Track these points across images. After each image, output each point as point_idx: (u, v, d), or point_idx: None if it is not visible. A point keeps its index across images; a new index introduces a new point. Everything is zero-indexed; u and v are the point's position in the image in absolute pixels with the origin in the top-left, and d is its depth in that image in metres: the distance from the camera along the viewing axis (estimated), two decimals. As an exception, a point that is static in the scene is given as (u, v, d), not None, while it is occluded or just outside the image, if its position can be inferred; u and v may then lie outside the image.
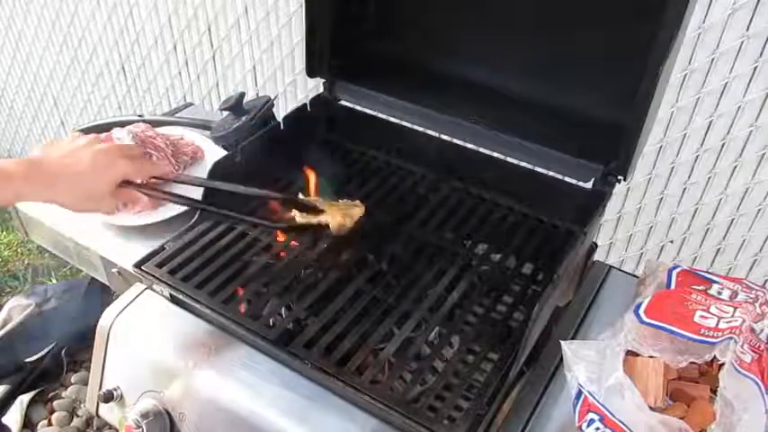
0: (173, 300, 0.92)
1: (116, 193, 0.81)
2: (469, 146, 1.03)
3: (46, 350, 1.77)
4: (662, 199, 1.33)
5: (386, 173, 1.10)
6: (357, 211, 0.94)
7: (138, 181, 0.83)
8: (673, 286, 0.86)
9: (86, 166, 0.77)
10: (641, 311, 0.77)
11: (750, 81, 1.11)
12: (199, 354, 0.87)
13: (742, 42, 1.08)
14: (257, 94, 1.67)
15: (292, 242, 0.95)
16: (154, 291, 0.95)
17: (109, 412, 0.94)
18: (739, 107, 1.14)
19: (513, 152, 0.99)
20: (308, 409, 0.80)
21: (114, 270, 1.00)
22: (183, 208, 1.03)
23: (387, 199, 1.05)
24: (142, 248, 0.95)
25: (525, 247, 0.95)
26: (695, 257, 1.37)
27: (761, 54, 1.08)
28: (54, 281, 2.09)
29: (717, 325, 0.73)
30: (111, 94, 2.07)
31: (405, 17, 1.06)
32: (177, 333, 0.89)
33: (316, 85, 1.15)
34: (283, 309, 0.88)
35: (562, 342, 0.77)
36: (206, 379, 0.85)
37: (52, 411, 1.74)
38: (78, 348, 1.82)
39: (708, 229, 1.31)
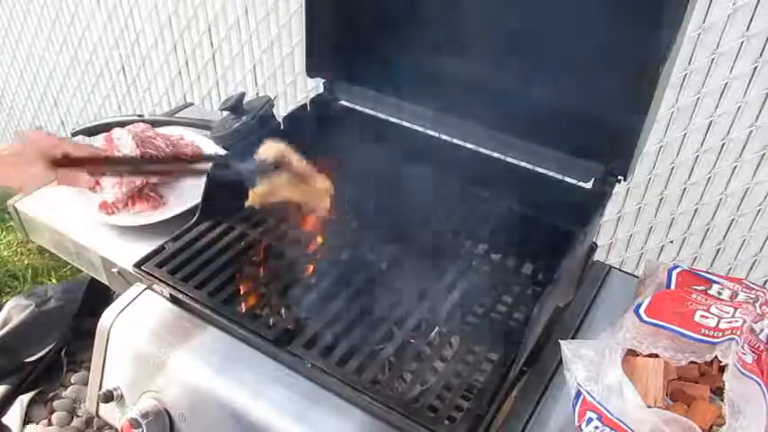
0: (173, 300, 0.92)
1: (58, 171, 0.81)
2: (469, 146, 1.03)
3: (46, 350, 1.77)
4: (662, 199, 1.32)
5: (386, 173, 1.10)
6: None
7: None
8: (673, 286, 0.86)
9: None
10: (642, 311, 0.77)
11: (750, 81, 1.11)
12: (198, 354, 0.87)
13: (742, 42, 1.08)
14: (257, 94, 1.67)
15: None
16: (154, 291, 0.95)
17: (109, 412, 0.93)
18: (739, 107, 1.14)
19: (513, 152, 0.99)
20: (308, 408, 0.80)
21: (114, 270, 1.00)
22: (183, 208, 1.03)
23: (387, 199, 1.05)
24: (142, 248, 0.95)
25: (525, 247, 0.95)
26: (695, 257, 1.36)
27: (761, 54, 1.08)
28: (54, 281, 2.08)
29: (717, 325, 0.73)
30: (111, 94, 2.07)
31: (404, 17, 1.05)
32: (177, 333, 0.89)
33: (316, 86, 1.15)
34: (283, 309, 0.88)
35: (561, 342, 0.77)
36: (206, 379, 0.85)
37: (52, 411, 1.74)
38: (78, 348, 1.82)
39: (708, 229, 1.31)
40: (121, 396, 0.91)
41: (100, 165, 0.84)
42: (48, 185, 1.13)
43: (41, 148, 0.79)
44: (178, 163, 0.88)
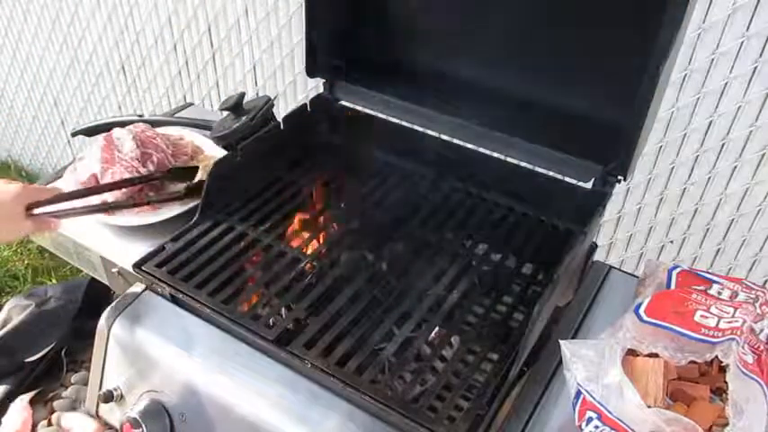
0: (173, 300, 0.92)
1: (33, 219, 0.88)
2: (469, 146, 1.03)
3: (46, 350, 1.77)
4: (662, 199, 1.32)
5: (386, 173, 1.10)
6: None
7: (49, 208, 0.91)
8: (673, 286, 0.86)
9: None
10: (641, 311, 0.77)
11: (750, 81, 1.11)
12: (199, 354, 0.87)
13: (742, 42, 1.08)
14: (257, 94, 1.67)
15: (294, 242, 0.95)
16: (154, 291, 0.95)
17: (109, 412, 0.94)
18: (739, 107, 1.14)
19: (513, 152, 0.99)
20: (308, 409, 0.80)
21: (114, 270, 1.00)
22: (183, 208, 1.03)
23: (387, 199, 1.05)
24: (142, 248, 0.95)
25: (525, 247, 0.95)
26: (695, 257, 1.37)
27: (761, 54, 1.08)
28: (54, 281, 2.08)
29: (717, 325, 0.73)
30: (111, 94, 2.07)
31: (404, 17, 1.06)
32: (177, 333, 0.89)
33: (316, 86, 1.15)
34: (283, 309, 0.88)
35: (561, 341, 0.77)
36: (206, 379, 0.85)
37: (52, 411, 1.74)
38: (78, 348, 1.82)
39: (708, 229, 1.31)
40: (121, 396, 0.91)
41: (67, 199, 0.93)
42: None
43: (21, 201, 0.86)
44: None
